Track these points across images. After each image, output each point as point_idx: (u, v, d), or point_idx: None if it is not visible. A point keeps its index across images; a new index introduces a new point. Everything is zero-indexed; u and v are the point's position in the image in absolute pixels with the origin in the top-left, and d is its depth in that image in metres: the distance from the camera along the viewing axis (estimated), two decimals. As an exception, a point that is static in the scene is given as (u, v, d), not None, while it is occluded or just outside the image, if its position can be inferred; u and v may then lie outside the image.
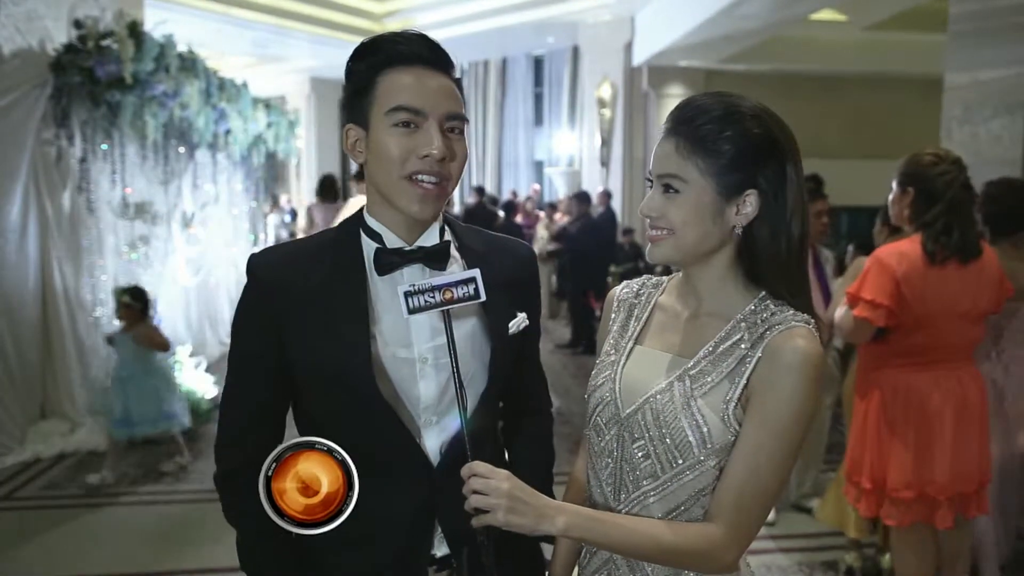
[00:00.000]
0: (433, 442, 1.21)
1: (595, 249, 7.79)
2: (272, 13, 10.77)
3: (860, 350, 2.65)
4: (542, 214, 10.76)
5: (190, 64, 5.41)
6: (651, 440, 1.11)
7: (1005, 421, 2.80)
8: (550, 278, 9.18)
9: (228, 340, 6.47)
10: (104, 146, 4.88)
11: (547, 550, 1.35)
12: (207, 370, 5.56)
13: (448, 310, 1.11)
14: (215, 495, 1.26)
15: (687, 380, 1.11)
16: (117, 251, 5.09)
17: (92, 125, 4.76)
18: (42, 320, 4.73)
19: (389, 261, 1.20)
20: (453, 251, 1.26)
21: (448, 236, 1.27)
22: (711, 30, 8.28)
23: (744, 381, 1.08)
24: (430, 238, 1.23)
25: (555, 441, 1.45)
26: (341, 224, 1.29)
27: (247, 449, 1.19)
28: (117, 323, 4.41)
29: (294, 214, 12.25)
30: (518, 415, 1.41)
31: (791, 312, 1.10)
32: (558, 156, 13.15)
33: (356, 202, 4.75)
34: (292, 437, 1.11)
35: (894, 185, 2.44)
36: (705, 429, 1.07)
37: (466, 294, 1.10)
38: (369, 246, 1.22)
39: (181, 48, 5.32)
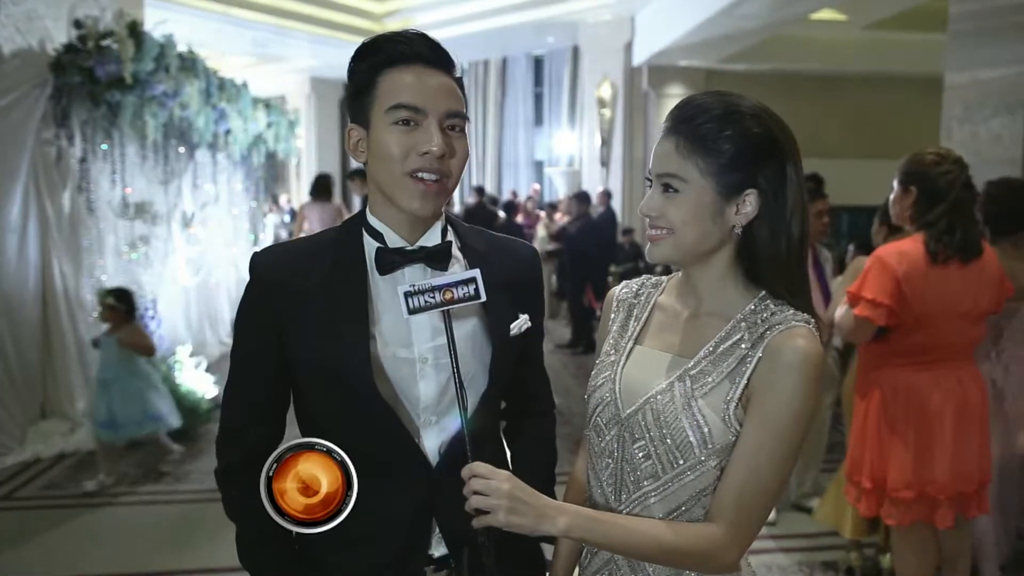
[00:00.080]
0: (432, 442, 1.21)
1: (595, 249, 7.80)
2: (272, 13, 10.77)
3: (860, 350, 2.64)
4: (542, 214, 10.76)
5: (190, 64, 5.41)
6: (652, 440, 1.11)
7: (1005, 421, 2.80)
8: (550, 278, 9.19)
9: (228, 340, 6.51)
10: (104, 146, 4.88)
11: (547, 551, 1.35)
12: (207, 370, 5.56)
13: (449, 310, 1.11)
14: (215, 495, 1.27)
15: (687, 380, 1.11)
16: (117, 251, 5.09)
17: (92, 125, 4.76)
18: (42, 320, 4.73)
19: (390, 260, 1.20)
20: (455, 251, 1.26)
21: (450, 236, 1.27)
22: (711, 30, 8.28)
23: (745, 381, 1.07)
24: (432, 238, 1.24)
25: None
26: (344, 223, 1.29)
27: (246, 446, 1.22)
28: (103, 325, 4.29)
29: (293, 214, 12.24)
30: (521, 416, 1.41)
31: (791, 312, 1.10)
32: (558, 156, 13.15)
33: None
34: (294, 436, 1.12)
35: (895, 184, 2.43)
36: (706, 429, 1.07)
37: (466, 294, 1.10)
38: (371, 245, 1.22)
39: (181, 48, 5.32)
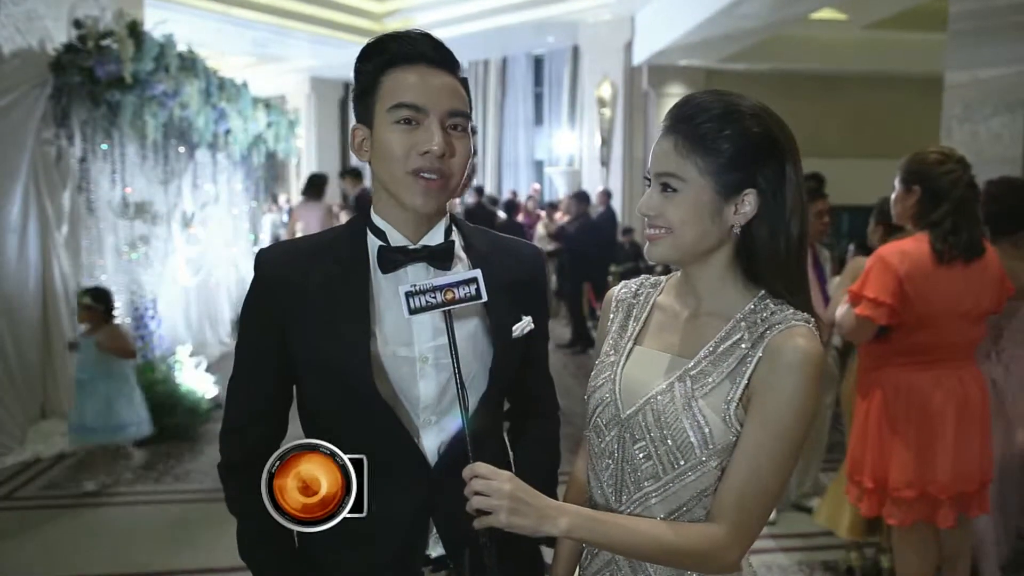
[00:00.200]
0: (432, 442, 1.21)
1: (594, 249, 7.80)
2: (272, 13, 10.78)
3: (861, 349, 2.64)
4: (543, 213, 10.77)
5: (190, 64, 5.41)
6: (652, 441, 1.11)
7: (1005, 421, 2.80)
8: (550, 278, 9.19)
9: (228, 340, 6.49)
10: (104, 146, 4.88)
11: (547, 553, 1.35)
12: (207, 370, 5.56)
13: (450, 310, 1.11)
14: (215, 495, 1.27)
15: (688, 380, 1.10)
16: (117, 251, 5.09)
17: (92, 125, 4.76)
18: (42, 320, 4.73)
19: (393, 259, 1.20)
20: (459, 251, 1.26)
21: (454, 236, 1.27)
22: (711, 29, 8.28)
23: (745, 381, 1.07)
24: (435, 237, 1.24)
25: (557, 444, 1.45)
26: (349, 221, 1.30)
27: (248, 441, 1.23)
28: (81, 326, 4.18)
29: (291, 213, 12.24)
30: (524, 418, 1.41)
31: (791, 311, 1.10)
32: (558, 156, 13.15)
33: None
34: (296, 434, 1.12)
35: (897, 184, 2.42)
36: (707, 430, 1.07)
37: (467, 294, 1.10)
38: (374, 244, 1.23)
39: (181, 48, 5.32)
